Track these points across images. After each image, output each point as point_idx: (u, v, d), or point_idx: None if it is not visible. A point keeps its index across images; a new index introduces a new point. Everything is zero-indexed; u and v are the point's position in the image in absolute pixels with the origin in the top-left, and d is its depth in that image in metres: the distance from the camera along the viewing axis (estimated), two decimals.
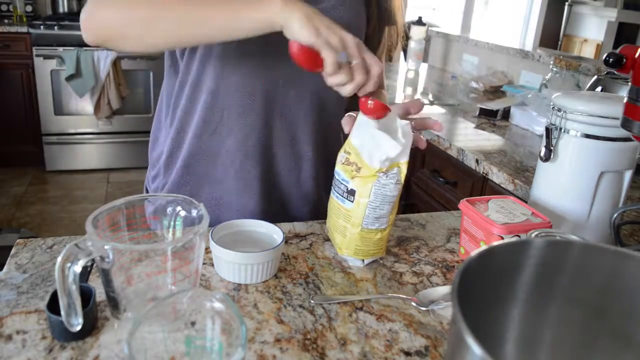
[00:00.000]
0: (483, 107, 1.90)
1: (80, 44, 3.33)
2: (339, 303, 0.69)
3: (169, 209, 0.67)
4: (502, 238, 0.75)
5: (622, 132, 0.74)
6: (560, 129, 0.85)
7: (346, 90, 0.70)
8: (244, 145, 0.92)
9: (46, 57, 3.32)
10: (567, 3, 2.83)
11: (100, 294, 0.63)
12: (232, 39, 0.74)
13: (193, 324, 0.55)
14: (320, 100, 0.93)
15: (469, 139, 1.62)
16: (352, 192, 0.75)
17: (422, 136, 0.79)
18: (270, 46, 0.86)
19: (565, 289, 0.47)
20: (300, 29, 0.67)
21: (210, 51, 0.87)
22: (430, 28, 3.03)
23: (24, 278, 0.70)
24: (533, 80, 2.32)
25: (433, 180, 1.72)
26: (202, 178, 0.95)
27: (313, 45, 0.67)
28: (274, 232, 0.79)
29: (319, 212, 1.00)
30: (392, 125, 0.75)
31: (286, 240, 0.84)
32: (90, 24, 0.75)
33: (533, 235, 0.72)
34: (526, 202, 0.88)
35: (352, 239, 0.77)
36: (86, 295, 0.59)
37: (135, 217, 0.64)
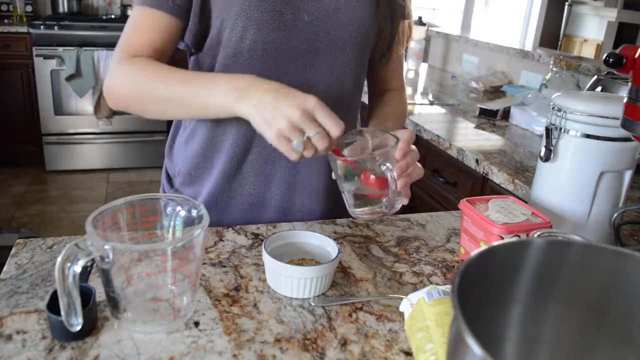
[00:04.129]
0: (483, 107, 1.90)
1: (80, 43, 3.33)
2: (339, 303, 0.69)
3: (169, 209, 0.67)
4: (502, 238, 0.75)
5: (622, 132, 0.74)
6: (560, 129, 0.85)
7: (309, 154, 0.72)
8: (259, 145, 0.92)
9: (46, 57, 3.31)
10: (567, 3, 2.83)
11: (100, 294, 0.63)
12: (215, 118, 0.84)
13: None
14: (335, 102, 0.93)
15: (469, 139, 1.62)
16: None
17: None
18: (285, 49, 0.87)
19: (565, 289, 0.47)
20: (256, 126, 0.73)
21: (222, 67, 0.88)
22: (430, 28, 3.03)
23: (24, 278, 0.70)
24: (533, 80, 2.32)
25: (433, 180, 1.72)
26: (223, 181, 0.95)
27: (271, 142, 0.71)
28: (326, 244, 0.76)
29: (332, 209, 1.00)
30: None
31: None
32: (109, 96, 0.87)
33: (535, 235, 0.72)
34: (526, 202, 0.88)
35: None
36: (86, 295, 0.59)
37: (135, 217, 0.64)
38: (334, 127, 0.70)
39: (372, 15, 0.91)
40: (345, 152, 0.78)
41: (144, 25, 0.85)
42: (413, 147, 0.78)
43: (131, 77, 0.83)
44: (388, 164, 0.73)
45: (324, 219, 0.96)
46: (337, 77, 0.91)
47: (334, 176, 0.80)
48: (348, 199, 0.79)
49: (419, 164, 0.78)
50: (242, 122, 0.90)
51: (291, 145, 0.70)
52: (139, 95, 0.84)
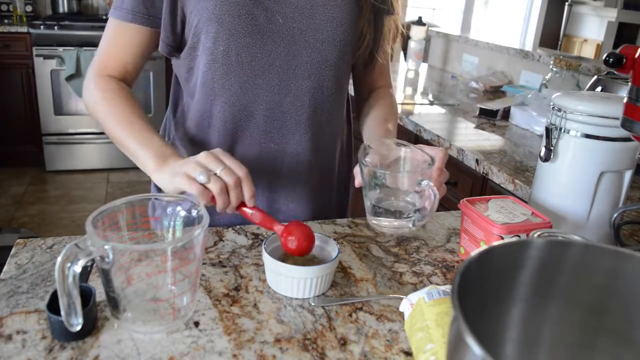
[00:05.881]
0: (483, 107, 1.90)
1: (80, 43, 3.33)
2: (339, 303, 0.69)
3: (169, 209, 0.67)
4: (502, 238, 0.75)
5: (622, 132, 0.74)
6: (560, 129, 0.85)
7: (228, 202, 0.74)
8: (242, 151, 0.92)
9: (46, 57, 3.32)
10: (567, 3, 2.83)
11: (100, 294, 0.63)
12: None
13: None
14: (316, 105, 0.93)
15: (469, 139, 1.62)
16: None
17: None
18: (261, 54, 0.86)
19: (565, 289, 0.47)
20: (167, 189, 0.76)
21: (202, 69, 0.88)
22: (430, 28, 3.03)
23: (24, 278, 0.70)
24: (533, 80, 2.32)
25: None
26: None
27: (183, 190, 0.72)
28: (326, 244, 0.76)
29: (317, 212, 1.00)
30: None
31: None
32: (85, 106, 0.92)
33: (535, 235, 0.72)
34: (526, 202, 0.88)
35: None
36: (86, 295, 0.59)
37: (135, 217, 0.64)
38: (238, 169, 0.73)
39: (351, 15, 0.90)
40: (368, 159, 0.78)
41: (117, 40, 0.88)
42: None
43: (91, 104, 0.89)
44: (428, 181, 0.73)
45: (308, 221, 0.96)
46: (316, 80, 0.90)
47: (357, 184, 0.80)
48: (369, 209, 0.78)
49: (444, 184, 0.79)
50: (222, 131, 0.91)
51: (193, 178, 0.72)
52: (97, 122, 0.90)
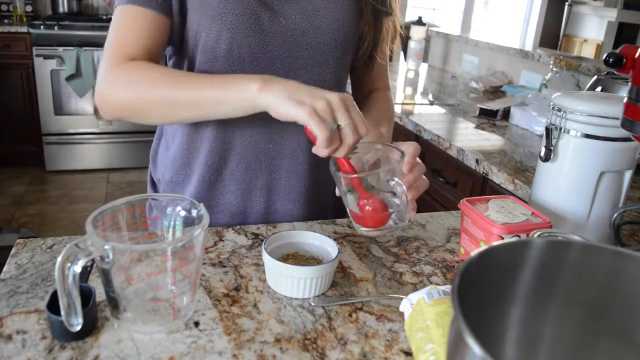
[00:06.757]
0: (483, 107, 1.90)
1: (80, 43, 3.33)
2: (339, 303, 0.69)
3: (169, 209, 0.67)
4: (502, 238, 0.75)
5: (622, 132, 0.74)
6: (560, 129, 0.85)
7: (338, 153, 0.71)
8: (240, 150, 0.92)
9: (46, 57, 3.32)
10: (567, 3, 2.83)
11: (100, 294, 0.63)
12: (226, 117, 0.79)
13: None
14: None
15: (469, 139, 1.62)
16: None
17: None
18: (263, 54, 0.86)
19: (565, 289, 0.47)
20: (282, 108, 0.70)
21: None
22: (430, 28, 3.03)
23: (24, 278, 0.70)
24: (533, 80, 2.32)
25: (433, 180, 1.72)
26: (205, 186, 0.95)
27: (299, 121, 0.68)
28: (326, 244, 0.76)
29: (315, 213, 1.00)
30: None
31: None
32: (105, 107, 0.83)
33: (535, 235, 0.72)
34: (526, 202, 0.88)
35: None
36: (86, 295, 0.59)
37: (135, 217, 0.64)
38: (363, 126, 0.70)
39: (353, 17, 0.90)
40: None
41: (132, 25, 0.82)
42: (418, 160, 0.78)
43: (131, 83, 0.79)
44: (397, 179, 0.73)
45: (307, 221, 0.96)
46: (317, 82, 0.90)
47: (337, 193, 0.79)
48: (353, 216, 0.78)
49: (424, 177, 0.78)
50: (218, 129, 0.90)
51: (323, 120, 0.68)
52: (142, 101, 0.80)
